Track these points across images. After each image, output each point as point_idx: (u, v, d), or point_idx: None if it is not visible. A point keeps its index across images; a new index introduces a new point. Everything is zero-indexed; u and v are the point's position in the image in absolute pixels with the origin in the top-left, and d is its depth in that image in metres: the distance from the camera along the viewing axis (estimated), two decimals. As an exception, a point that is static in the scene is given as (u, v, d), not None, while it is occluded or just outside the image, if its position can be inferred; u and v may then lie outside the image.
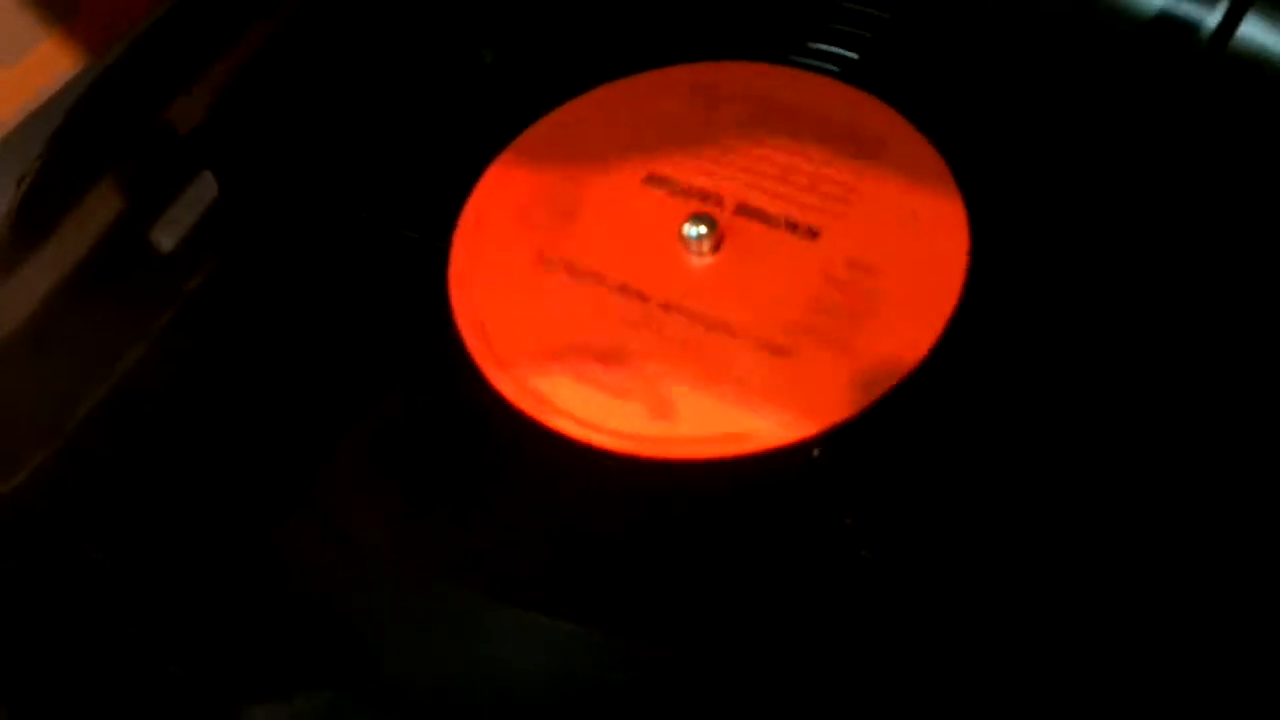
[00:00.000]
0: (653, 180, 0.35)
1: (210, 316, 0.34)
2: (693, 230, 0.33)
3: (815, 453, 0.30)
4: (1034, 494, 0.29)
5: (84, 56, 0.40)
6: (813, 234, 0.33)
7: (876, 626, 0.28)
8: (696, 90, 0.37)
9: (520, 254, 0.34)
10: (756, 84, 0.36)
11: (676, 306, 0.32)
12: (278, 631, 0.29)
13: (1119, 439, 0.29)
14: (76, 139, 0.37)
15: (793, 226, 0.33)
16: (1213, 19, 0.35)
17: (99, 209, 0.37)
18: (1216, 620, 0.27)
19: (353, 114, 0.38)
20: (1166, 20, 0.36)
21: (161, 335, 0.34)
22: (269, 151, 0.37)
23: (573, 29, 0.39)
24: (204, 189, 0.37)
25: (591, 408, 0.31)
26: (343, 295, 0.34)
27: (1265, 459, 0.28)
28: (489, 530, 0.30)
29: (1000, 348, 0.31)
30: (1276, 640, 0.26)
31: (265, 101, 0.38)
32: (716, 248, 0.33)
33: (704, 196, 0.34)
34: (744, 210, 0.34)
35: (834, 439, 0.30)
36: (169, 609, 0.29)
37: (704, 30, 0.38)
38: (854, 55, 0.36)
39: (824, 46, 0.37)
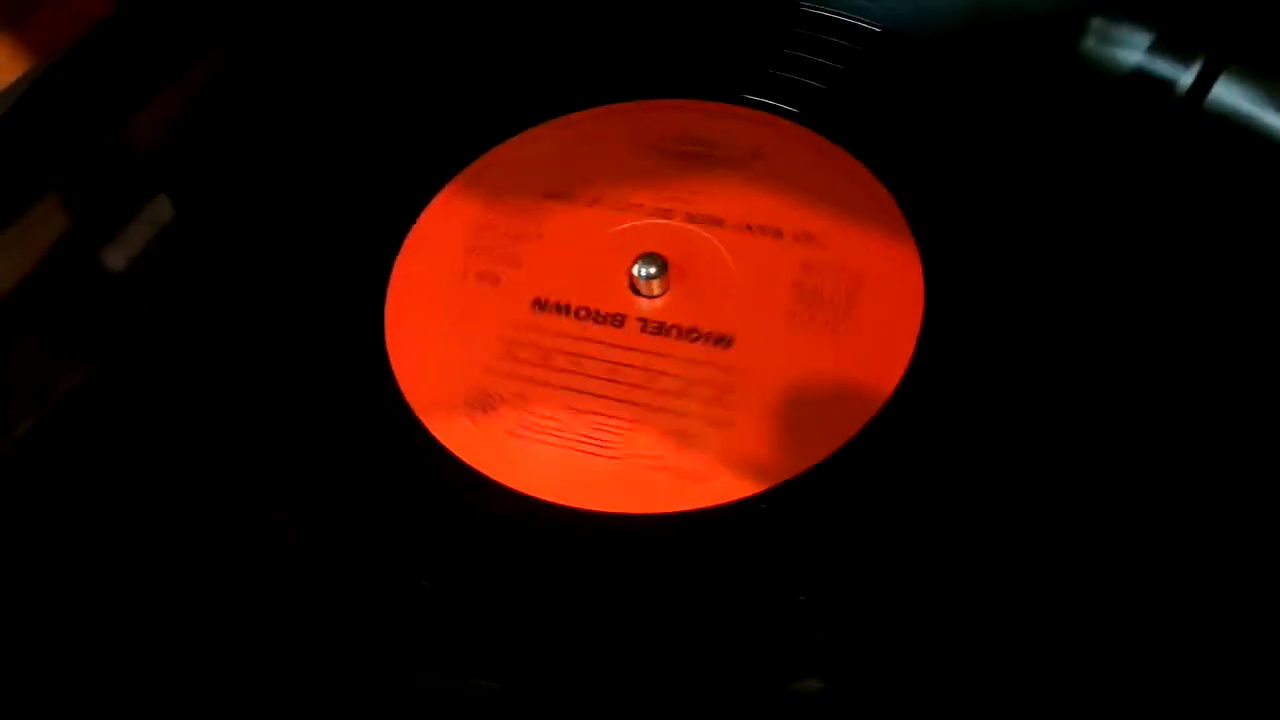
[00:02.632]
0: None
1: (159, 340, 0.34)
2: (642, 271, 0.32)
3: (763, 506, 0.29)
4: (996, 544, 0.29)
5: (35, 64, 0.39)
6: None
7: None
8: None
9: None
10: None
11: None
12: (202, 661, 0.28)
13: (1079, 473, 0.29)
14: (13, 145, 0.37)
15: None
16: (1188, 77, 0.35)
17: (47, 225, 0.36)
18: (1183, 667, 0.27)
19: (313, 140, 0.38)
20: (1142, 76, 0.35)
21: (107, 357, 0.34)
22: (228, 175, 0.37)
23: (535, 62, 0.38)
24: (159, 211, 0.36)
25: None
26: (294, 322, 0.34)
27: (1218, 504, 0.28)
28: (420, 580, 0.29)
29: (955, 400, 0.31)
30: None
31: (225, 125, 0.38)
32: (666, 290, 0.33)
33: (653, 236, 0.34)
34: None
35: (785, 492, 0.29)
36: (101, 629, 0.29)
37: (657, 68, 0.37)
38: (819, 87, 0.36)
39: (787, 75, 0.36)
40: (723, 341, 0.32)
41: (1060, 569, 0.28)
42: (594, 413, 0.31)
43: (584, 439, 0.30)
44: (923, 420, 0.30)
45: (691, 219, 0.34)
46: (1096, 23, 0.36)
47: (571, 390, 0.31)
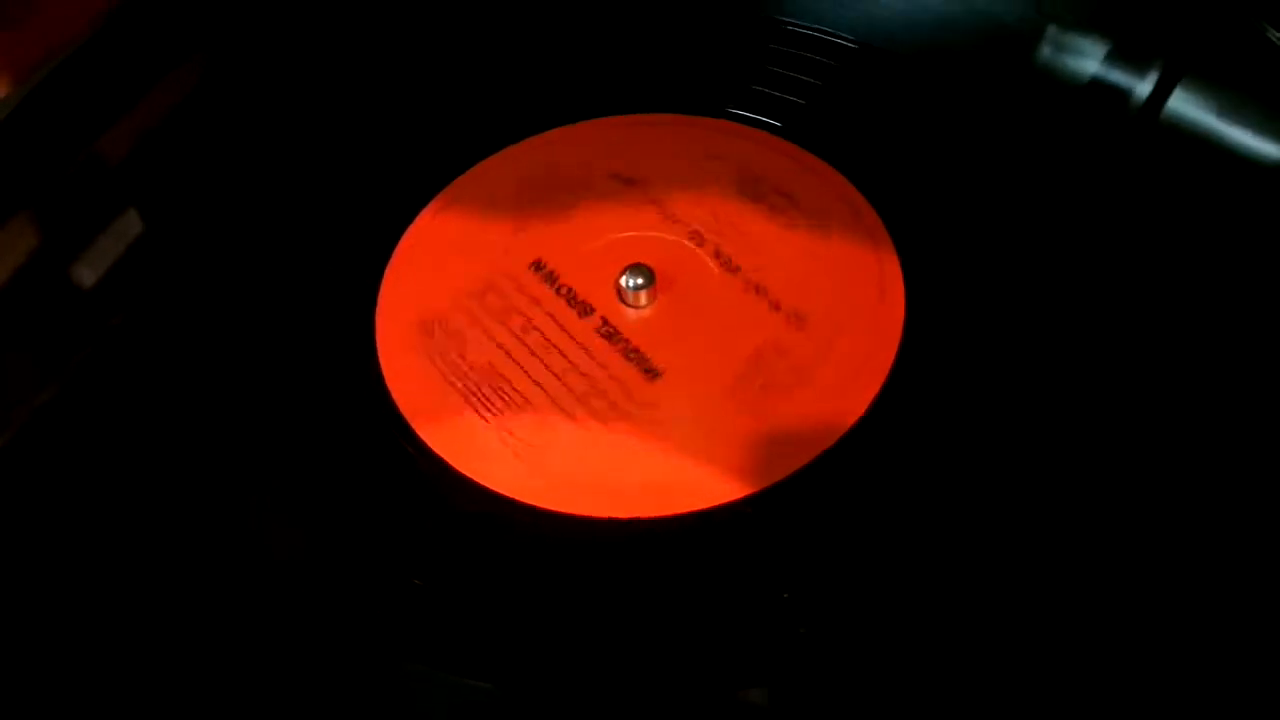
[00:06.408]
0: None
1: (130, 355, 0.34)
2: (629, 281, 0.33)
3: (749, 510, 0.29)
4: (970, 552, 0.29)
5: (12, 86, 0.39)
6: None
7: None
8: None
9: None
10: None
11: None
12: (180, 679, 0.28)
13: (1055, 490, 0.30)
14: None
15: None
16: (1145, 88, 0.36)
17: (16, 241, 0.36)
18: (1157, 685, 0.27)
19: (284, 153, 0.38)
20: (1100, 87, 0.36)
21: (78, 373, 0.33)
22: (197, 189, 0.37)
23: (520, 78, 0.39)
24: (129, 225, 0.36)
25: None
26: (269, 335, 0.34)
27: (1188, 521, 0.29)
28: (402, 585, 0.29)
29: (935, 408, 0.31)
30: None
31: (193, 139, 0.38)
32: (654, 299, 0.33)
33: (635, 248, 0.34)
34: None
35: (769, 497, 0.30)
36: (77, 649, 0.29)
37: (644, 82, 0.38)
38: (799, 102, 0.37)
39: (767, 90, 0.37)
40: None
41: (1044, 568, 0.29)
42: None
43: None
44: (905, 426, 0.31)
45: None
46: (1054, 32, 0.37)
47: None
